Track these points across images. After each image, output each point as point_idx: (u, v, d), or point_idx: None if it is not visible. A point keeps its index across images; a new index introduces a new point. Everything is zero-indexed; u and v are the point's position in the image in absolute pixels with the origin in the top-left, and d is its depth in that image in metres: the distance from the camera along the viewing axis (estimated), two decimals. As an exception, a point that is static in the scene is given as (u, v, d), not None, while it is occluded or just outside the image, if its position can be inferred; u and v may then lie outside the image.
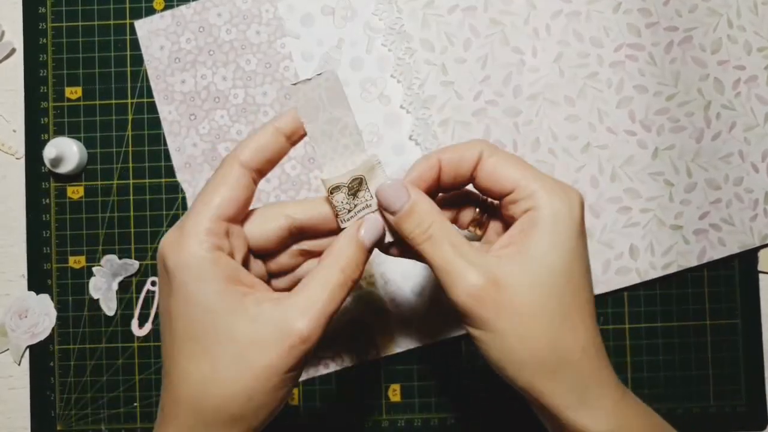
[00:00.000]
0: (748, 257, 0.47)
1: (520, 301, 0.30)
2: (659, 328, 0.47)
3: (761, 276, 0.47)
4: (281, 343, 0.29)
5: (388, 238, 0.33)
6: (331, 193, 0.33)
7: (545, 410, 0.31)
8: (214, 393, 0.29)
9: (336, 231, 0.33)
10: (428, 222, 0.31)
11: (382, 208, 0.32)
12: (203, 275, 0.29)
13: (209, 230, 0.30)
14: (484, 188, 0.33)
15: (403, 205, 0.31)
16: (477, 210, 0.35)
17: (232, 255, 0.30)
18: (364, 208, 0.33)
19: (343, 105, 0.32)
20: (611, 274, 0.45)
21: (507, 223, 0.33)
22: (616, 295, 0.46)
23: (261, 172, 0.32)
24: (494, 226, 0.35)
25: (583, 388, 0.31)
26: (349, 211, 0.33)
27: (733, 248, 0.46)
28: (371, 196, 0.33)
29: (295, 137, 0.32)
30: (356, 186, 0.33)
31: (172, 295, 0.29)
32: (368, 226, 0.32)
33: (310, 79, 0.31)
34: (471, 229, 0.35)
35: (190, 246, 0.29)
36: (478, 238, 0.35)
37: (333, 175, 0.32)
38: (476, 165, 0.32)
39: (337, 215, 0.33)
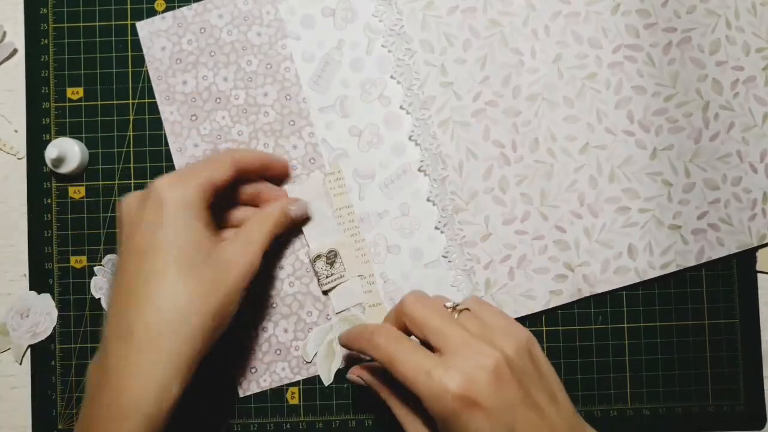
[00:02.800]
0: (747, 257, 0.47)
1: None
2: (658, 327, 0.47)
3: (759, 276, 0.47)
4: (244, 264, 0.38)
5: (361, 300, 0.46)
6: (314, 261, 0.45)
7: None
8: (198, 308, 0.36)
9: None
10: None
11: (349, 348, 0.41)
12: (197, 213, 0.37)
13: (202, 185, 0.38)
14: None
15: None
16: None
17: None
18: (339, 278, 0.46)
19: (324, 200, 0.46)
20: (610, 274, 0.46)
21: None
22: (614, 294, 0.47)
23: (240, 174, 0.41)
24: None
25: None
26: (327, 276, 0.45)
27: (731, 248, 0.46)
28: (345, 269, 0.45)
29: (269, 173, 0.45)
30: (332, 257, 0.45)
31: (164, 226, 0.36)
32: (299, 205, 0.44)
33: (302, 182, 0.46)
34: None
35: (191, 188, 0.37)
36: None
37: (315, 248, 0.45)
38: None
39: (318, 279, 0.46)
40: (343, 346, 0.41)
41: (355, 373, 0.42)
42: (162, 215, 0.36)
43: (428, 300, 0.38)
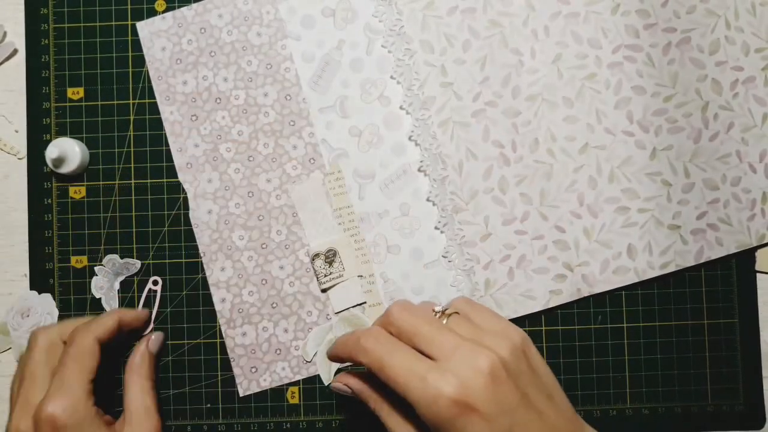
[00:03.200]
0: (746, 257, 0.47)
1: None
2: (657, 327, 0.47)
3: (759, 276, 0.47)
4: None
5: (360, 300, 0.46)
6: (313, 259, 0.45)
7: None
8: None
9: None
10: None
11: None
12: (93, 426, 0.39)
13: (88, 392, 0.39)
14: None
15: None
16: None
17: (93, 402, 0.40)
18: (337, 277, 0.46)
19: (323, 199, 0.46)
20: (609, 274, 0.46)
21: None
22: (613, 294, 0.47)
23: (103, 342, 0.42)
24: None
25: None
26: (326, 275, 0.45)
27: (730, 248, 0.46)
28: (344, 268, 0.45)
29: (126, 329, 0.45)
30: (331, 256, 0.45)
31: None
32: (153, 339, 0.45)
33: (303, 183, 0.46)
34: None
35: (81, 409, 0.39)
36: None
37: (314, 246, 0.45)
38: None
39: (317, 277, 0.46)
40: (332, 358, 0.39)
41: (342, 381, 0.39)
42: None
43: (414, 308, 0.36)
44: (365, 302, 0.46)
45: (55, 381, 0.39)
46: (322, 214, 0.46)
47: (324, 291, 0.46)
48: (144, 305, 0.47)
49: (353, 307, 0.46)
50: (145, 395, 0.42)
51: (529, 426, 0.33)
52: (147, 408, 0.41)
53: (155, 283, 0.47)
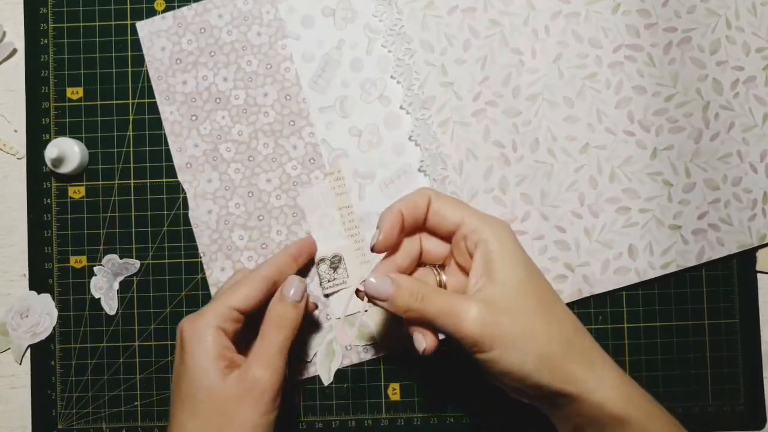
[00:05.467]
0: (747, 257, 0.47)
1: (513, 312, 0.36)
2: (658, 327, 0.47)
3: (759, 276, 0.47)
4: (250, 395, 0.37)
5: (362, 308, 0.40)
6: (318, 264, 0.46)
7: (563, 398, 0.35)
8: None
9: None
10: (416, 290, 0.37)
11: (374, 300, 0.37)
12: (205, 349, 0.38)
13: (220, 315, 0.39)
14: (434, 228, 0.40)
15: (390, 291, 0.37)
16: (435, 267, 0.41)
17: (228, 334, 0.39)
18: (341, 283, 0.46)
19: (331, 205, 0.46)
20: (610, 274, 0.46)
21: (459, 265, 0.40)
22: (614, 294, 0.47)
23: (276, 283, 0.41)
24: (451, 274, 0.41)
25: (591, 361, 0.36)
26: (330, 281, 0.46)
27: (731, 248, 0.46)
28: (348, 275, 0.46)
29: (300, 260, 0.45)
30: (336, 262, 0.46)
31: (182, 361, 0.38)
32: (288, 285, 0.41)
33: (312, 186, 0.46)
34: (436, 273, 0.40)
35: (202, 325, 0.38)
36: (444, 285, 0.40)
37: (320, 251, 0.46)
38: (427, 209, 0.39)
39: (320, 282, 0.46)
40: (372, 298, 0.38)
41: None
42: (181, 350, 0.39)
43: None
44: (366, 310, 0.46)
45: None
46: (330, 219, 0.46)
47: (326, 296, 0.46)
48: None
49: (352, 314, 0.46)
50: (270, 342, 0.39)
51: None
52: (269, 352, 0.39)
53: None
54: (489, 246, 0.37)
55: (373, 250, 0.38)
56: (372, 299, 0.37)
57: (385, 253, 0.39)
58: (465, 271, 0.39)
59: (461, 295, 0.37)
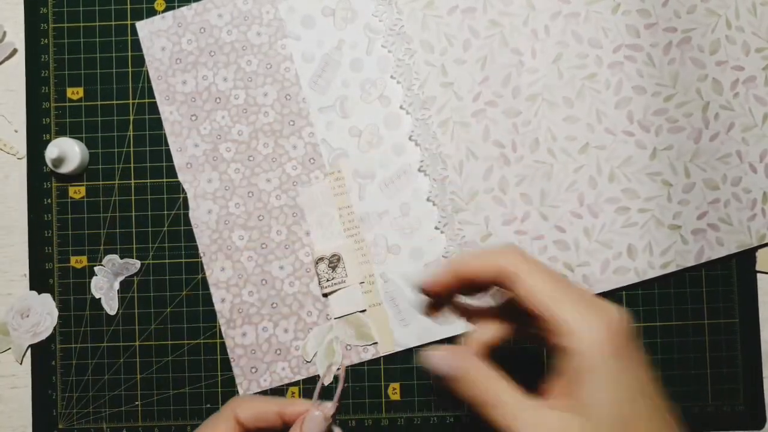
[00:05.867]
0: (746, 257, 0.47)
1: None
2: (657, 327, 0.47)
3: (759, 276, 0.47)
4: None
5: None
6: (317, 263, 0.45)
7: None
8: None
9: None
10: (481, 387, 0.30)
11: (435, 374, 0.31)
12: None
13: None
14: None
15: (454, 372, 0.30)
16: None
17: None
18: (339, 283, 0.46)
19: (331, 204, 0.46)
20: (609, 274, 0.46)
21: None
22: (614, 294, 0.47)
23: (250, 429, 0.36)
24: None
25: None
26: (328, 280, 0.46)
27: (731, 248, 0.46)
28: (346, 275, 0.46)
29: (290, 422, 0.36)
30: (335, 261, 0.45)
31: None
32: (307, 425, 0.34)
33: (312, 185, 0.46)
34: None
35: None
36: None
37: (319, 250, 0.45)
38: (493, 279, 0.31)
39: (319, 281, 0.46)
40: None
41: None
42: None
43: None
44: (365, 310, 0.46)
45: None
46: (329, 218, 0.46)
47: (325, 296, 0.46)
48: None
49: (352, 314, 0.46)
50: None
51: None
52: None
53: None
54: (578, 362, 0.28)
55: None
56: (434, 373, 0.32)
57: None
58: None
59: (533, 414, 0.29)
